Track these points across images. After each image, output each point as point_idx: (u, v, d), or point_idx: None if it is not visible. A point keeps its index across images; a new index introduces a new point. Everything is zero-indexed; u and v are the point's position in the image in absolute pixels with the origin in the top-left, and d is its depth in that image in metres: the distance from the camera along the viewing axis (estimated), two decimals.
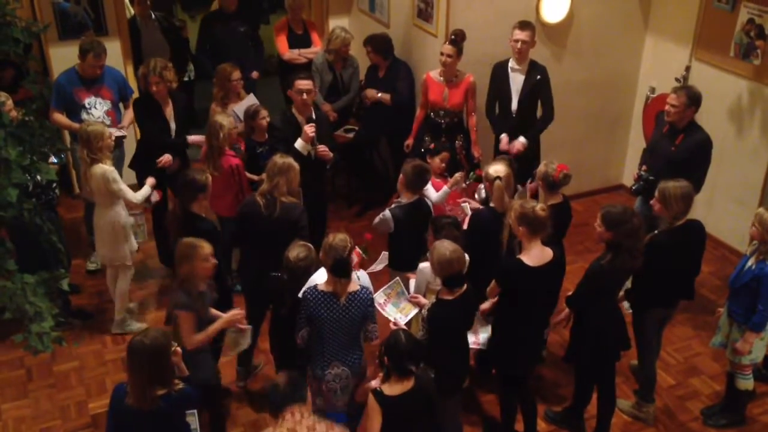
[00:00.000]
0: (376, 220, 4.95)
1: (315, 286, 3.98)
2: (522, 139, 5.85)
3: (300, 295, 4.01)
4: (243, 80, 6.15)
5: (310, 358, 4.07)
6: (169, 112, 5.76)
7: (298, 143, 5.22)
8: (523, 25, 5.73)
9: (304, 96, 5.31)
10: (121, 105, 6.09)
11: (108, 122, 5.81)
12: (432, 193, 5.20)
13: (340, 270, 3.90)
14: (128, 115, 6.09)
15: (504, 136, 5.94)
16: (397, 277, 4.38)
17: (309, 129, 5.20)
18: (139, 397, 3.36)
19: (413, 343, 3.63)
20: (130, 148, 6.14)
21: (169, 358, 3.46)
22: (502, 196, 4.57)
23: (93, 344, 5.46)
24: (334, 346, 4.00)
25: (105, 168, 5.04)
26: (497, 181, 4.58)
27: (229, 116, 5.61)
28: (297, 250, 4.22)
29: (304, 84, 5.31)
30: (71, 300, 5.60)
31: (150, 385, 3.36)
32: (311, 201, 5.44)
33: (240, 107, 5.90)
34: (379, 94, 6.52)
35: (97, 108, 5.87)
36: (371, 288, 4.37)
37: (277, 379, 3.46)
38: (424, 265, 4.45)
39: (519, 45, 5.72)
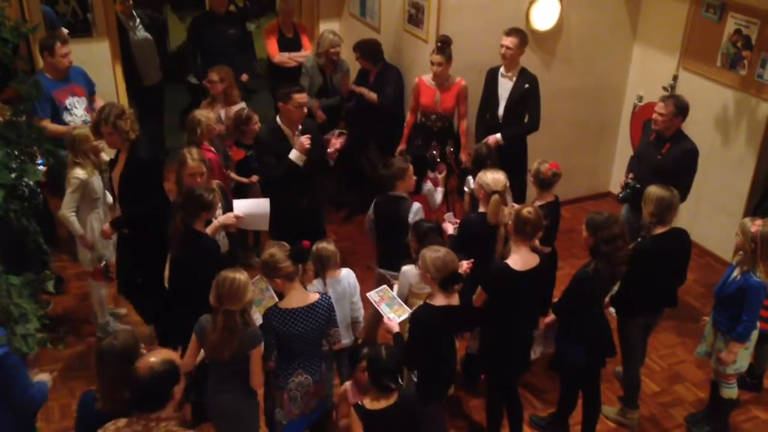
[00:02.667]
0: None
1: (275, 306, 3.94)
2: (498, 136, 5.85)
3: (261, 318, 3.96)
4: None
5: (271, 372, 3.99)
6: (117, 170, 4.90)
7: (293, 154, 5.09)
8: (510, 31, 5.75)
9: (304, 110, 5.24)
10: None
11: (89, 120, 5.77)
12: (438, 197, 5.47)
13: (300, 256, 3.94)
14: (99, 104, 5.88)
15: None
16: (384, 285, 4.39)
17: (305, 140, 5.10)
18: (109, 401, 3.29)
19: (395, 360, 3.54)
20: None
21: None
22: (498, 211, 4.47)
23: (78, 346, 5.42)
24: (302, 357, 3.97)
25: (78, 172, 4.97)
26: (495, 196, 4.48)
27: (210, 112, 5.59)
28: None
29: (302, 98, 5.13)
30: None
31: (120, 388, 3.27)
32: (307, 210, 5.35)
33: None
34: (365, 90, 6.54)
35: (77, 107, 5.80)
36: (357, 285, 4.44)
37: None
38: (407, 268, 4.45)
39: (503, 50, 5.75)
